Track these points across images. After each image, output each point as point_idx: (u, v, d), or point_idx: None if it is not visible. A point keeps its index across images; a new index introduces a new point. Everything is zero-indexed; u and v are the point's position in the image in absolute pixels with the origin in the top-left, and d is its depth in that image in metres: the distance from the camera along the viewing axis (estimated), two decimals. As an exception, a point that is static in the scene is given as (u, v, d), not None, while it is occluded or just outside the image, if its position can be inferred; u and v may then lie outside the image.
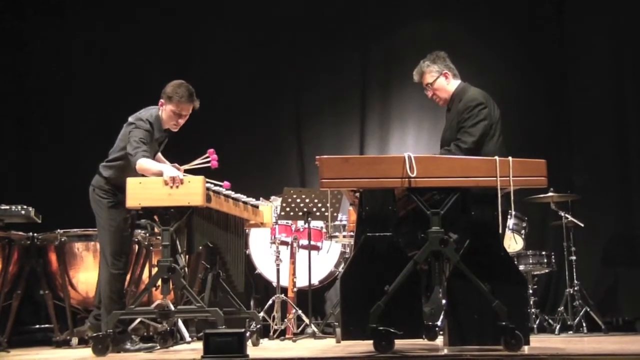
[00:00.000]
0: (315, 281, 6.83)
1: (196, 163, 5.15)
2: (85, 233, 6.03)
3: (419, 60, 4.93)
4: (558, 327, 6.53)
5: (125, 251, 4.99)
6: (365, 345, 4.06)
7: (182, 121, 5.01)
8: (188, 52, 8.03)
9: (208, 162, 5.13)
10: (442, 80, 4.84)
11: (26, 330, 6.67)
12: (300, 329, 6.46)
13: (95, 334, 4.63)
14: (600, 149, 7.42)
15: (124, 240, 4.97)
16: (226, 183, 4.99)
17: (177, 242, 4.64)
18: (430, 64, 4.86)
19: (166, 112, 4.95)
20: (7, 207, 5.73)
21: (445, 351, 4.20)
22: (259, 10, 8.10)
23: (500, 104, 4.85)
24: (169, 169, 4.70)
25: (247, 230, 6.19)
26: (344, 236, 6.73)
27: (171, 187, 4.49)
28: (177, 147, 7.32)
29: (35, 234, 6.02)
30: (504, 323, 3.93)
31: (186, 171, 5.05)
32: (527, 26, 7.74)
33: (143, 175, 4.76)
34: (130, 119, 4.96)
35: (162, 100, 4.96)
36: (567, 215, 6.81)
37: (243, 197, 5.15)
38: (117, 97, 7.38)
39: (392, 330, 3.91)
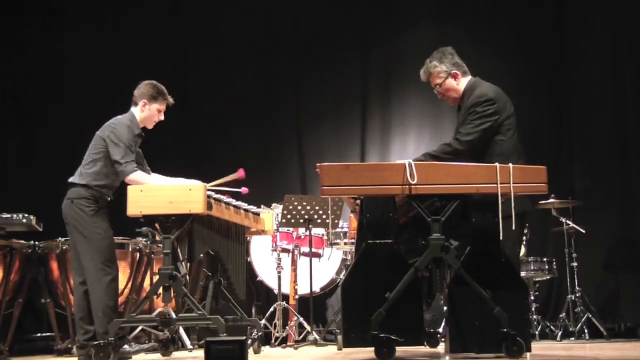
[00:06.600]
0: (316, 288, 6.83)
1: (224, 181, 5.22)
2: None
3: (420, 66, 4.71)
4: (560, 333, 6.53)
5: (115, 256, 4.97)
6: (367, 353, 4.06)
7: (162, 117, 5.16)
8: (187, 59, 8.04)
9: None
10: (450, 81, 4.64)
11: (28, 338, 6.65)
12: (301, 337, 6.45)
13: (96, 342, 4.62)
14: (601, 155, 7.41)
15: (112, 246, 4.96)
16: (244, 189, 5.16)
17: (178, 250, 4.64)
18: (438, 64, 4.63)
19: (150, 111, 5.07)
20: (8, 215, 5.74)
21: (447, 358, 4.20)
22: (259, 18, 8.12)
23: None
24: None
25: (248, 238, 6.19)
26: (345, 243, 6.74)
27: None
28: (177, 155, 7.35)
29: (36, 243, 6.02)
30: (505, 330, 3.92)
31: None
32: (528, 32, 7.74)
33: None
34: (106, 128, 4.98)
35: (144, 101, 5.04)
36: (568, 221, 6.81)
37: (244, 205, 5.15)
38: (117, 106, 7.38)
39: (393, 338, 3.91)
